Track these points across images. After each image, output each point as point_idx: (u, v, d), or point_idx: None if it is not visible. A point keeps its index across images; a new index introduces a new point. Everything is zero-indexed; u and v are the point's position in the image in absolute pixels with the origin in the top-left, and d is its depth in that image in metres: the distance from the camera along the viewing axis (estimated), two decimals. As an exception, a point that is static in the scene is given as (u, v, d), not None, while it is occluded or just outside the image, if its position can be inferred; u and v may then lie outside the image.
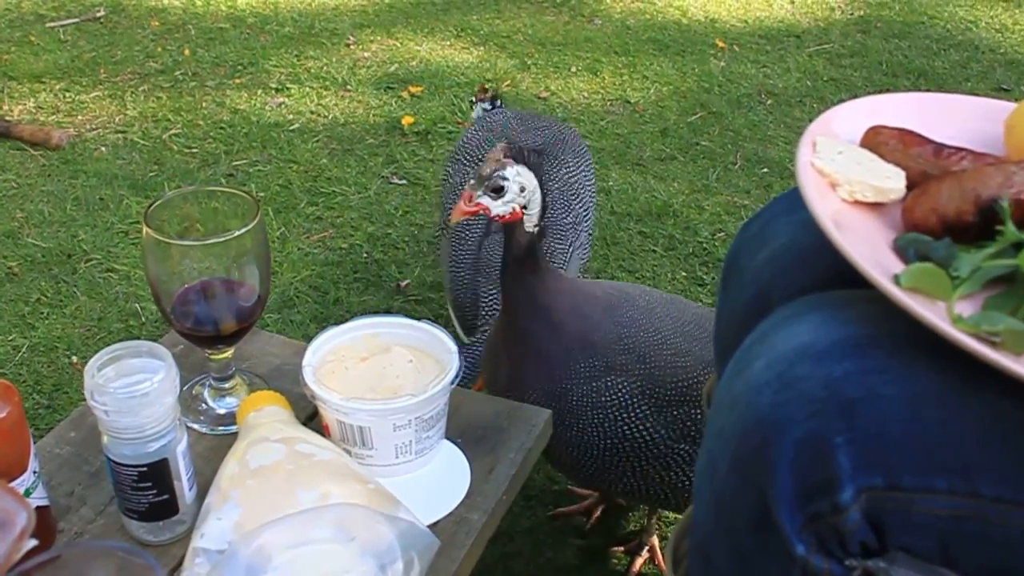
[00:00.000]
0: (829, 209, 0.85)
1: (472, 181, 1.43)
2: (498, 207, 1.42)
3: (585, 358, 1.49)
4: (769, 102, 3.28)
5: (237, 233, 1.07)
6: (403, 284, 2.39)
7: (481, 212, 1.42)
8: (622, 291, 1.59)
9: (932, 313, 0.75)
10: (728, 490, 0.82)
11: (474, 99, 2.39)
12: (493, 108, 2.35)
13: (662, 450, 1.52)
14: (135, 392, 0.97)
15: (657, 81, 3.41)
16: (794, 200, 1.01)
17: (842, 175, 0.89)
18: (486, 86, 2.41)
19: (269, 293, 1.15)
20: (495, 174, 1.41)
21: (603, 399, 1.49)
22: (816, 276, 0.94)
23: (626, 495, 1.61)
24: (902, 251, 0.84)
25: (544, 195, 1.45)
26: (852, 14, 3.93)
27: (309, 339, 1.18)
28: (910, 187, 0.90)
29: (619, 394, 1.49)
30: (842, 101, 1.03)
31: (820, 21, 3.88)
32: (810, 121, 0.99)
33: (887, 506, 0.75)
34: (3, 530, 0.66)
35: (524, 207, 1.43)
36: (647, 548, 1.75)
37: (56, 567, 0.80)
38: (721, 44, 3.67)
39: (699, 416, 1.52)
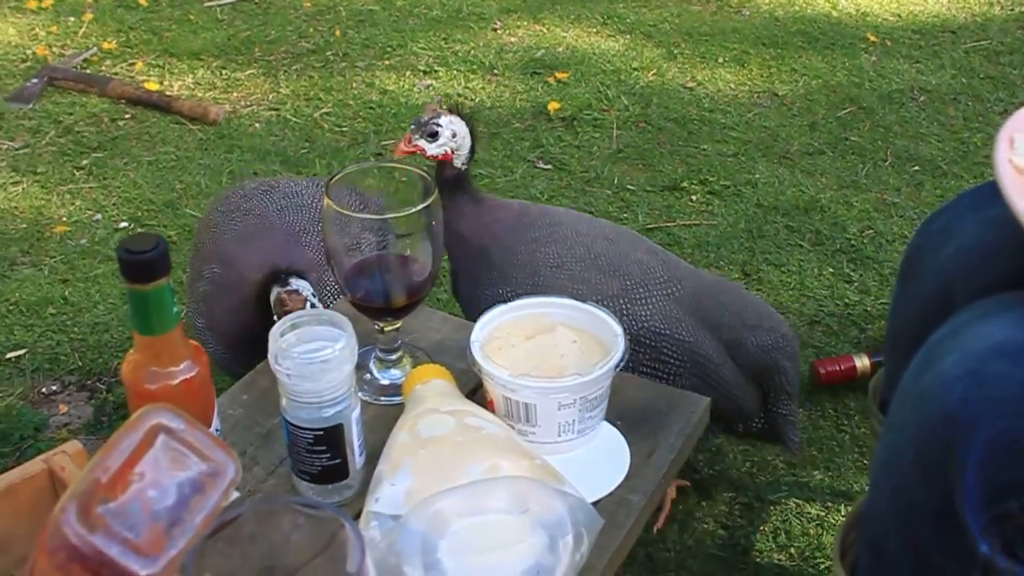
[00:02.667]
0: (1028, 206, 0.83)
1: (412, 127, 1.66)
2: (432, 149, 1.66)
3: (487, 270, 1.70)
4: (922, 99, 3.20)
5: (414, 209, 1.10)
6: (547, 268, 2.40)
7: (418, 152, 1.66)
8: (547, 215, 1.77)
9: None
10: (910, 485, 0.81)
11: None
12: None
13: None
14: (316, 358, 1.00)
15: (806, 74, 3.36)
16: (981, 197, 0.99)
17: (1040, 172, 0.87)
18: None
19: (440, 270, 1.18)
20: (431, 121, 1.65)
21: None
22: (1003, 275, 0.92)
23: None
24: (1101, 251, 0.82)
25: (473, 140, 1.68)
26: (1012, 10, 3.81)
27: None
28: (1110, 186, 0.88)
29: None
30: (999, 100, 1.01)
31: (977, 16, 3.76)
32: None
33: (1081, 510, 0.74)
34: (215, 480, 0.70)
35: (454, 150, 1.66)
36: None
37: (242, 522, 0.83)
38: (873, 38, 3.59)
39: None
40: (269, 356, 1.01)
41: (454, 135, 1.65)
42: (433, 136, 1.64)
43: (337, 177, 1.14)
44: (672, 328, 1.67)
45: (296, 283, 1.72)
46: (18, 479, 0.99)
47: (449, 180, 1.69)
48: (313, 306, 1.68)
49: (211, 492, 0.70)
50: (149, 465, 0.69)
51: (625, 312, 1.66)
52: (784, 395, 1.77)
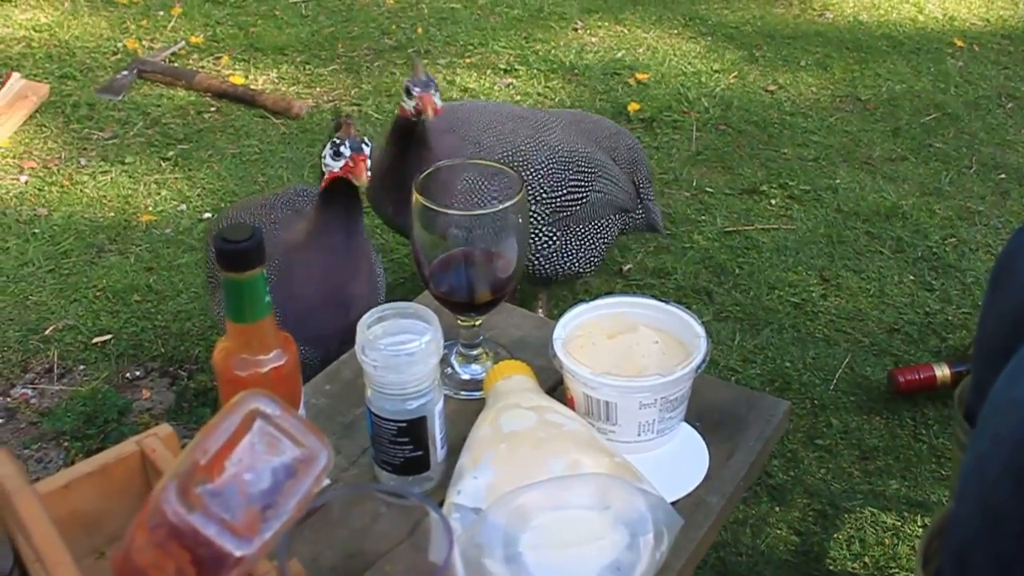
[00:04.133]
0: None
1: (417, 89, 1.89)
2: (439, 102, 1.93)
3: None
4: (1010, 105, 3.15)
5: (501, 207, 1.10)
6: (625, 268, 2.41)
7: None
8: (460, 110, 2.16)
9: None
10: (998, 494, 0.80)
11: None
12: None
13: None
14: (403, 351, 1.01)
15: (890, 79, 3.32)
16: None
17: None
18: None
19: (524, 267, 1.19)
20: (431, 79, 1.91)
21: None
22: (1098, 285, 0.91)
23: None
24: None
25: None
26: (1105, 17, 3.73)
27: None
28: None
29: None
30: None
31: (1069, 23, 3.69)
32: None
33: None
34: (308, 466, 0.71)
35: None
36: None
37: (328, 509, 0.85)
38: (959, 43, 3.54)
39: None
40: (356, 347, 1.03)
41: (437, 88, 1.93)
42: (437, 88, 1.92)
43: (427, 172, 1.15)
44: (580, 146, 2.13)
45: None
46: (112, 459, 1.02)
47: (421, 131, 1.95)
48: (366, 145, 1.66)
49: (304, 478, 0.72)
50: (246, 449, 0.71)
51: (545, 143, 2.10)
52: (647, 182, 2.28)
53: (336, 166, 1.66)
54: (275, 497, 0.70)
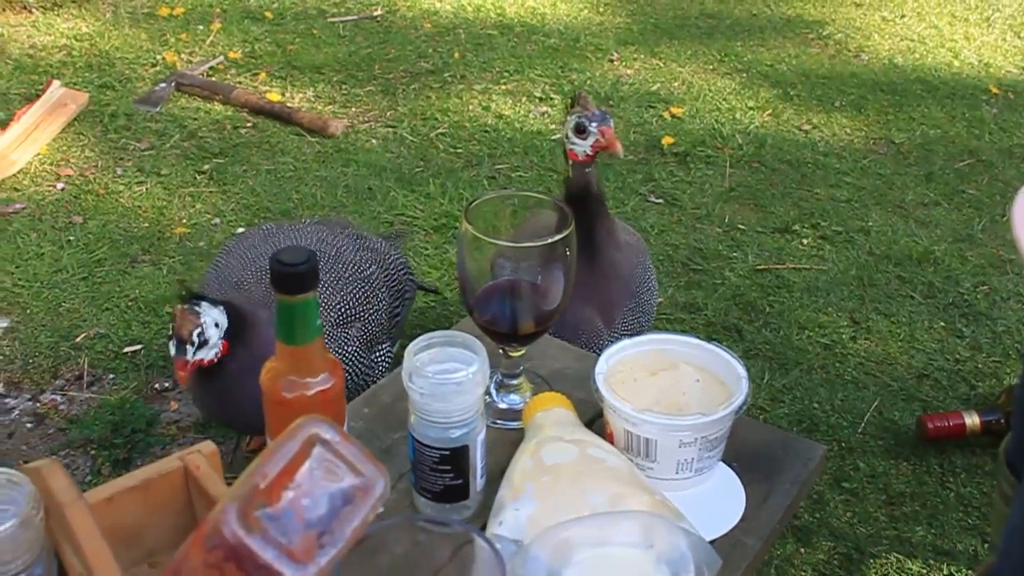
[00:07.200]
0: None
1: (594, 124, 1.56)
2: (583, 147, 1.58)
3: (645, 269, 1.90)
4: (1044, 155, 3.15)
5: (551, 239, 1.11)
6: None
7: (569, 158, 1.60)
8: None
9: None
10: (1047, 553, 0.80)
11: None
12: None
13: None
14: (450, 380, 1.02)
15: (924, 123, 3.32)
16: None
17: None
18: None
19: (570, 300, 1.19)
20: (579, 118, 1.55)
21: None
22: None
23: None
24: None
25: None
26: None
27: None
28: None
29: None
30: None
31: (1105, 75, 3.69)
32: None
33: None
34: (365, 493, 0.72)
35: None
36: None
37: (373, 536, 0.85)
38: (995, 90, 3.54)
39: None
40: (403, 374, 1.04)
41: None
42: (582, 132, 1.56)
43: (476, 203, 1.16)
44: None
45: (202, 307, 1.61)
46: (155, 474, 1.03)
47: (595, 186, 1.64)
48: (202, 335, 1.58)
49: (361, 505, 0.72)
50: (304, 475, 0.71)
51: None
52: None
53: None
54: (332, 523, 0.71)
